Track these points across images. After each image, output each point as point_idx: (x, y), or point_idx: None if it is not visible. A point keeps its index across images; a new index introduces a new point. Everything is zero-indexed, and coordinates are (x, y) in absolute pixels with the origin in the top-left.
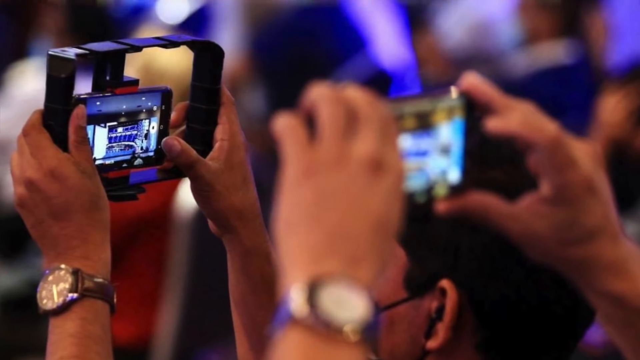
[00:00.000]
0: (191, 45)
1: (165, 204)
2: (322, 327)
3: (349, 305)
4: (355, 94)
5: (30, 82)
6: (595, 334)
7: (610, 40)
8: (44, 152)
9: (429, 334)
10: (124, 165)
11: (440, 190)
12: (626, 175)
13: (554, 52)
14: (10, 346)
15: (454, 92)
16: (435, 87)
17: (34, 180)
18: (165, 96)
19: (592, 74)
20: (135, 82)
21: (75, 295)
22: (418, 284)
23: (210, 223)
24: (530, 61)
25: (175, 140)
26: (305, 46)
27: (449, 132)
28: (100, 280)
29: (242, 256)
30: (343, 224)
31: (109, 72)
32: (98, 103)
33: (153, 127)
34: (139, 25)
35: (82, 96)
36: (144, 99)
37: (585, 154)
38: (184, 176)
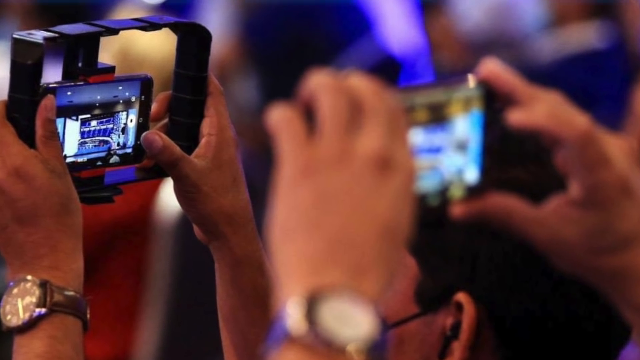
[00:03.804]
0: (174, 27)
1: (144, 207)
2: (322, 346)
3: (352, 322)
4: (360, 83)
5: None
6: (631, 354)
7: None
8: (8, 149)
9: (443, 353)
10: (99, 163)
11: (456, 192)
12: None
13: (584, 36)
14: None
15: (471, 80)
16: (450, 75)
17: None
18: (145, 85)
19: (626, 60)
20: (111, 70)
21: (43, 310)
22: (431, 297)
23: (196, 229)
24: (557, 46)
25: (156, 135)
26: (303, 29)
27: (465, 126)
28: (71, 293)
29: (232, 266)
30: (346, 230)
31: (81, 58)
32: (69, 93)
33: (131, 121)
34: (115, 5)
35: (51, 85)
36: (120, 88)
37: (620, 150)
38: (167, 176)
